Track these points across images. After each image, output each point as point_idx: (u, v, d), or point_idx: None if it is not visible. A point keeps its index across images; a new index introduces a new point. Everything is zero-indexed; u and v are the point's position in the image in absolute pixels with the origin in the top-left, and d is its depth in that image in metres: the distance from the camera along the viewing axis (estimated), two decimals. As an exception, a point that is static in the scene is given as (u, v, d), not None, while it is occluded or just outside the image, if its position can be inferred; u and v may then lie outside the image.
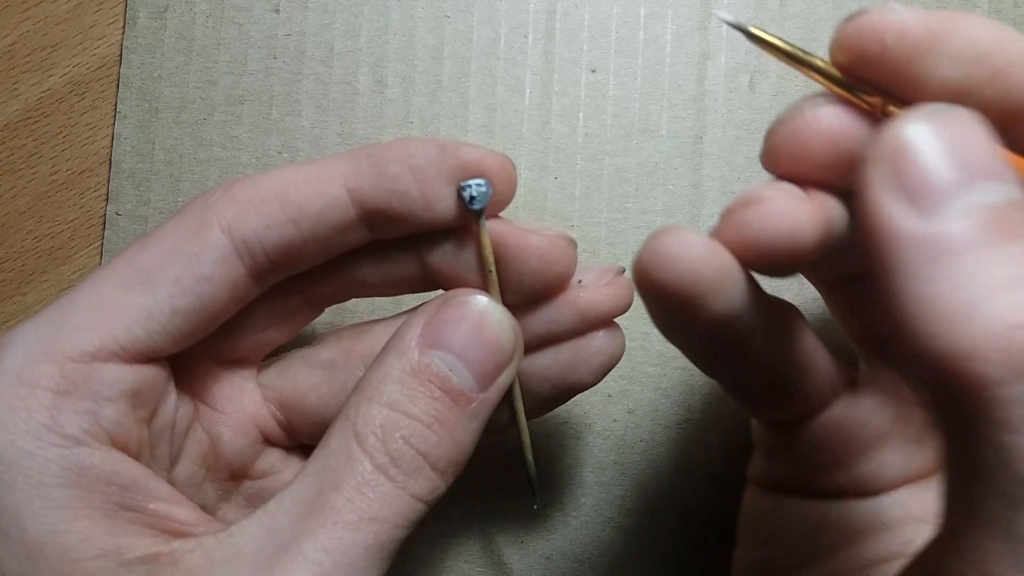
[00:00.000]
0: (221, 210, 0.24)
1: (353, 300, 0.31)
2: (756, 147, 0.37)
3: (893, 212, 0.16)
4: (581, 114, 0.37)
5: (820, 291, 0.28)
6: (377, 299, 0.36)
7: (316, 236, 0.25)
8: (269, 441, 0.29)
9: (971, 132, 0.17)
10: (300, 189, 0.24)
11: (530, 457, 0.29)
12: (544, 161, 0.37)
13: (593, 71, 0.37)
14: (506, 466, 0.34)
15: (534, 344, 0.28)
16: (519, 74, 0.37)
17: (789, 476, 0.27)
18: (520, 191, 0.37)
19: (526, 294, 0.27)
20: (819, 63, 0.20)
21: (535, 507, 0.31)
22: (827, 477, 0.26)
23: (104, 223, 0.37)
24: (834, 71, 0.20)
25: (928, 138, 0.17)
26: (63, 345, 0.22)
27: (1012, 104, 0.19)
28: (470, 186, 0.25)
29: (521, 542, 0.35)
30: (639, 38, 0.38)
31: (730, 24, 0.20)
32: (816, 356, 0.25)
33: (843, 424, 0.26)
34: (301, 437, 0.29)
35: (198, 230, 0.24)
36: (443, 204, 0.25)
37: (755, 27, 0.20)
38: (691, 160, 0.37)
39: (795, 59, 0.20)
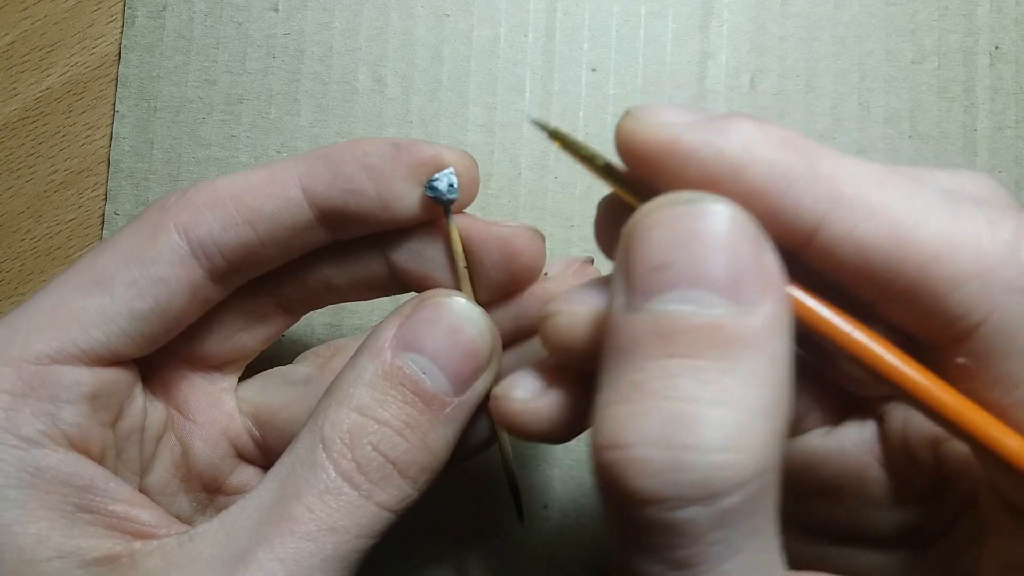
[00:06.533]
0: (177, 213, 0.24)
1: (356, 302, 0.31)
2: (757, 146, 0.37)
3: (611, 301, 0.17)
4: (582, 113, 0.37)
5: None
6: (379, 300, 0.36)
7: (273, 237, 0.25)
8: (243, 457, 0.29)
9: (686, 234, 0.16)
10: (255, 191, 0.24)
11: (512, 467, 0.28)
12: (545, 160, 0.37)
13: (594, 70, 0.37)
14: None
15: (505, 341, 0.27)
16: (519, 73, 0.37)
17: None
18: (521, 191, 0.37)
19: (495, 289, 0.26)
20: (603, 164, 0.20)
21: (522, 522, 0.30)
22: (796, 506, 0.26)
23: (103, 223, 0.37)
24: (620, 171, 0.20)
25: (644, 233, 0.17)
26: (21, 348, 0.23)
27: (792, 222, 0.17)
28: (439, 179, 0.25)
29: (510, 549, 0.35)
30: (640, 37, 0.37)
31: (538, 125, 0.21)
32: None
33: (811, 458, 0.25)
34: (274, 455, 0.28)
35: (154, 233, 0.24)
36: (400, 203, 0.25)
37: (557, 128, 0.21)
38: (692, 159, 0.37)
39: (587, 159, 0.20)
